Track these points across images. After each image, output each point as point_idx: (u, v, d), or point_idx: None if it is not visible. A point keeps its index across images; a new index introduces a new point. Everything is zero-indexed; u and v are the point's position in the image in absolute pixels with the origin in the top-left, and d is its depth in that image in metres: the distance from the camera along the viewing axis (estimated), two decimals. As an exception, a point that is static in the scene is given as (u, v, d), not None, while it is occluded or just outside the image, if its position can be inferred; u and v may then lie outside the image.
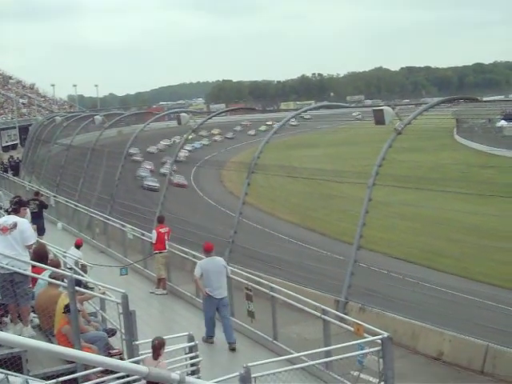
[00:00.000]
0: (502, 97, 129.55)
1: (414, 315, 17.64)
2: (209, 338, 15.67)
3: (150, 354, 10.86)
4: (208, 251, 16.18)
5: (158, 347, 10.77)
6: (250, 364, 9.79)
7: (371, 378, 11.19)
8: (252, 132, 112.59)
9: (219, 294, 15.56)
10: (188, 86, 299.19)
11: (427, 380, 14.74)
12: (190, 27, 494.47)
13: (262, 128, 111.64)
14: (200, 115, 37.65)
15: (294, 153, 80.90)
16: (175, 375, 3.95)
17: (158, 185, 55.23)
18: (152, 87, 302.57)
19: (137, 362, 9.88)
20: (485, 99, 51.06)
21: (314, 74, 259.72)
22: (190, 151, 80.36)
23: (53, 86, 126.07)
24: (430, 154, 74.20)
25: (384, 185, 19.56)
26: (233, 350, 15.04)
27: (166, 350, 10.98)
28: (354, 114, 65.78)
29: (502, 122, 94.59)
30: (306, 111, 25.05)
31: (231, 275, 17.72)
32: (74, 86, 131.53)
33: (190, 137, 32.93)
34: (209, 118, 29.43)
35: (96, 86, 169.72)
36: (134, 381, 9.93)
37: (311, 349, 11.45)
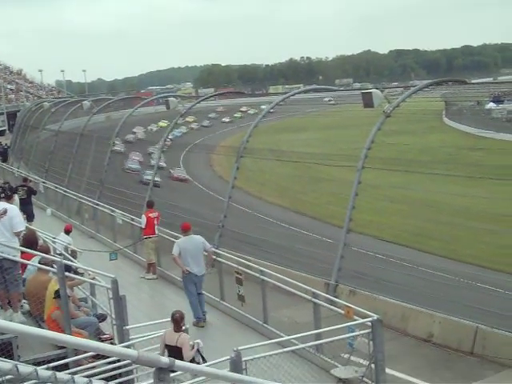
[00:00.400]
0: (490, 79, 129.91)
1: (404, 298, 17.69)
2: (198, 320, 15.97)
3: (170, 328, 11.29)
4: (185, 230, 16.63)
5: (179, 320, 11.30)
6: (240, 348, 9.81)
7: (361, 360, 11.23)
8: (226, 119, 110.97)
9: (199, 271, 16.13)
10: (176, 70, 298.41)
11: (417, 362, 14.80)
12: (177, 11, 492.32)
13: (237, 115, 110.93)
14: (189, 100, 37.58)
15: (283, 136, 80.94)
16: (165, 359, 3.94)
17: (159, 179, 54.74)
18: (140, 72, 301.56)
19: (127, 347, 9.88)
20: (473, 81, 51.15)
21: (302, 57, 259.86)
22: (171, 140, 79.46)
23: (40, 71, 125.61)
24: (419, 136, 74.22)
25: (373, 168, 19.55)
26: (201, 327, 15.68)
27: (156, 335, 11.01)
28: (325, 99, 65.43)
29: (491, 105, 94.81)
30: (294, 94, 24.94)
31: (221, 259, 17.81)
32: (62, 71, 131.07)
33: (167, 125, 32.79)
34: (197, 103, 29.37)
35: (84, 71, 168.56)
36: (126, 365, 9.95)
37: (302, 332, 11.48)
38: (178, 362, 4.05)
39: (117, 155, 62.17)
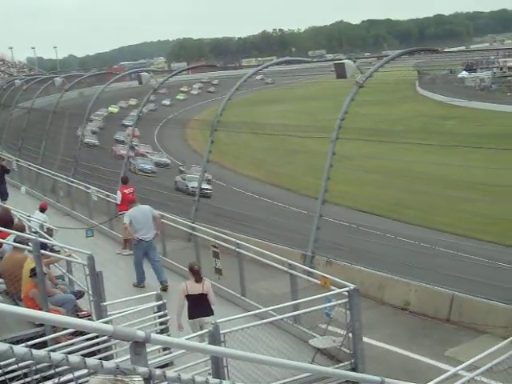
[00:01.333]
0: (462, 48, 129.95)
1: (381, 267, 17.81)
2: (140, 282, 16.74)
3: (190, 280, 12.15)
4: (132, 202, 17.71)
5: (199, 270, 12.24)
6: (218, 320, 9.85)
7: (339, 330, 11.30)
8: (167, 102, 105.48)
9: (148, 237, 16.91)
10: (149, 44, 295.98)
11: (394, 330, 14.93)
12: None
13: (180, 97, 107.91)
14: (161, 74, 37.33)
15: (257, 109, 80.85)
16: (141, 333, 3.94)
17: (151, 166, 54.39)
18: (112, 47, 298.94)
19: (105, 323, 9.87)
20: (446, 50, 51.15)
21: (274, 29, 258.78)
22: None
23: (11, 48, 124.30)
24: (393, 106, 74.43)
25: (347, 138, 19.56)
26: (164, 290, 15.87)
27: (134, 310, 11.01)
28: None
29: (464, 73, 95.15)
30: (267, 67, 24.84)
31: (197, 233, 17.83)
32: (33, 48, 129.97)
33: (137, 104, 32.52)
34: (170, 77, 29.20)
35: (55, 47, 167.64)
36: (104, 341, 9.95)
37: (280, 303, 11.51)
38: (154, 336, 4.06)
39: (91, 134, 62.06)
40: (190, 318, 11.93)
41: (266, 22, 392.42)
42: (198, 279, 12.09)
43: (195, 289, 11.99)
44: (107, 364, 3.62)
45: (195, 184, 34.84)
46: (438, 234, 31.35)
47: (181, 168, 54.34)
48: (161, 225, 18.08)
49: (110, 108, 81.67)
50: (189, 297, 11.96)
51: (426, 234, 31.00)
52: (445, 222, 33.66)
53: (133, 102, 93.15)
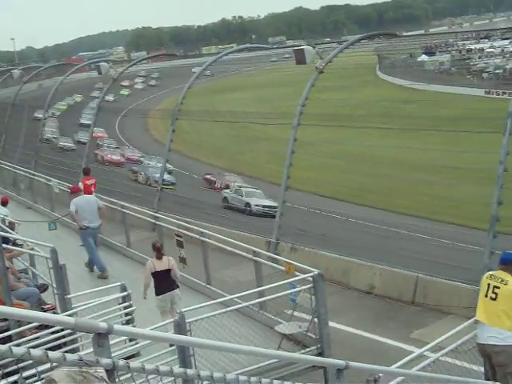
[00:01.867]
0: (421, 31, 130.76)
1: (345, 252, 17.92)
2: (103, 271, 16.79)
3: (153, 258, 12.67)
4: (75, 192, 17.98)
5: (159, 247, 12.72)
6: (184, 310, 9.85)
7: (305, 315, 11.35)
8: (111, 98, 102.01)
9: (94, 225, 17.24)
10: (108, 35, 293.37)
11: (360, 314, 15.04)
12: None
13: (124, 92, 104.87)
14: (121, 64, 37.09)
15: (218, 97, 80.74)
16: (103, 324, 3.92)
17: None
18: (71, 38, 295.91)
19: (70, 315, 9.82)
20: (405, 34, 51.39)
21: (234, 16, 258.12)
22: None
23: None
24: (354, 91, 74.71)
25: (309, 124, 19.61)
26: (105, 278, 16.25)
27: (98, 302, 10.96)
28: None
29: (423, 57, 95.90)
30: (227, 54, 24.75)
31: (161, 223, 17.79)
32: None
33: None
34: (129, 67, 29.00)
35: (12, 39, 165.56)
36: (70, 334, 9.90)
37: (245, 291, 11.53)
38: (117, 327, 4.04)
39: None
40: (158, 295, 12.29)
41: (225, 10, 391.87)
42: (160, 256, 12.55)
43: (161, 265, 12.47)
44: (70, 357, 3.60)
45: (259, 201, 34.88)
46: (400, 218, 31.61)
47: (142, 160, 53.20)
48: (106, 215, 18.21)
49: (58, 106, 78.95)
50: (156, 274, 12.40)
51: (388, 217, 31.23)
52: (407, 206, 33.94)
53: (78, 98, 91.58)
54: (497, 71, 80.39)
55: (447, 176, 38.55)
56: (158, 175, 33.39)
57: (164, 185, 24.64)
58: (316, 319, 10.96)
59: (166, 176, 28.57)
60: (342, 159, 42.26)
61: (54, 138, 57.34)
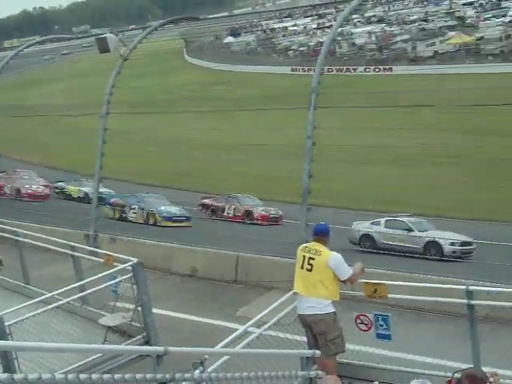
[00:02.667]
0: (225, 13, 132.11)
1: (165, 238, 17.99)
2: None
3: None
4: None
5: None
6: (1, 313, 9.54)
7: (128, 305, 11.28)
8: None
9: None
10: None
11: (184, 297, 15.13)
12: None
13: None
14: None
15: (27, 92, 78.16)
16: None
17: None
18: None
19: None
20: (210, 17, 51.80)
21: (35, 7, 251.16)
22: None
23: None
24: (163, 76, 74.43)
25: (119, 113, 19.51)
26: None
27: None
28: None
29: (229, 38, 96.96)
30: (28, 47, 24.03)
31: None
32: None
33: None
34: None
35: None
36: None
37: (67, 287, 11.31)
38: None
39: None
40: None
41: (25, 1, 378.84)
42: None
43: None
44: None
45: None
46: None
47: None
48: None
49: None
50: None
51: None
52: (225, 186, 34.30)
53: None
54: (301, 48, 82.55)
55: (260, 154, 39.32)
56: (171, 209, 27.66)
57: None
58: (139, 308, 10.91)
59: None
60: (156, 145, 42.19)
61: None
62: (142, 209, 28.39)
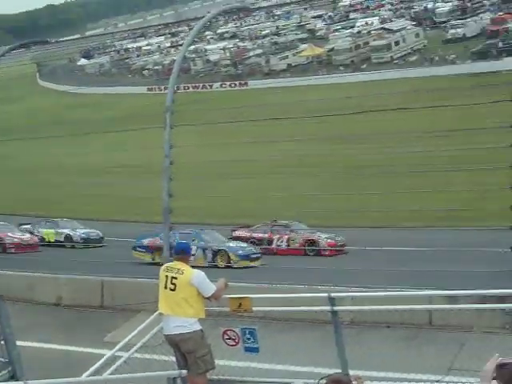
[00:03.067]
0: (78, 36, 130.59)
1: (28, 267, 17.58)
2: None
3: None
4: None
5: None
6: None
7: None
8: None
9: None
10: None
11: (50, 327, 14.73)
12: None
13: None
14: None
15: None
16: None
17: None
18: None
19: None
20: (61, 40, 51.10)
21: None
22: None
23: None
24: (18, 102, 72.64)
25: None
26: None
27: None
28: None
29: (83, 61, 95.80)
30: None
31: None
32: None
33: None
34: None
35: None
36: None
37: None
38: None
39: None
40: None
41: None
42: None
43: None
44: None
45: None
46: (90, 223, 31.26)
47: None
48: None
49: None
50: None
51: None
52: (91, 210, 33.78)
53: None
54: (156, 67, 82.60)
55: (123, 175, 38.98)
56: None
57: None
58: (3, 342, 10.60)
59: None
60: (13, 174, 41.02)
61: None
62: None
